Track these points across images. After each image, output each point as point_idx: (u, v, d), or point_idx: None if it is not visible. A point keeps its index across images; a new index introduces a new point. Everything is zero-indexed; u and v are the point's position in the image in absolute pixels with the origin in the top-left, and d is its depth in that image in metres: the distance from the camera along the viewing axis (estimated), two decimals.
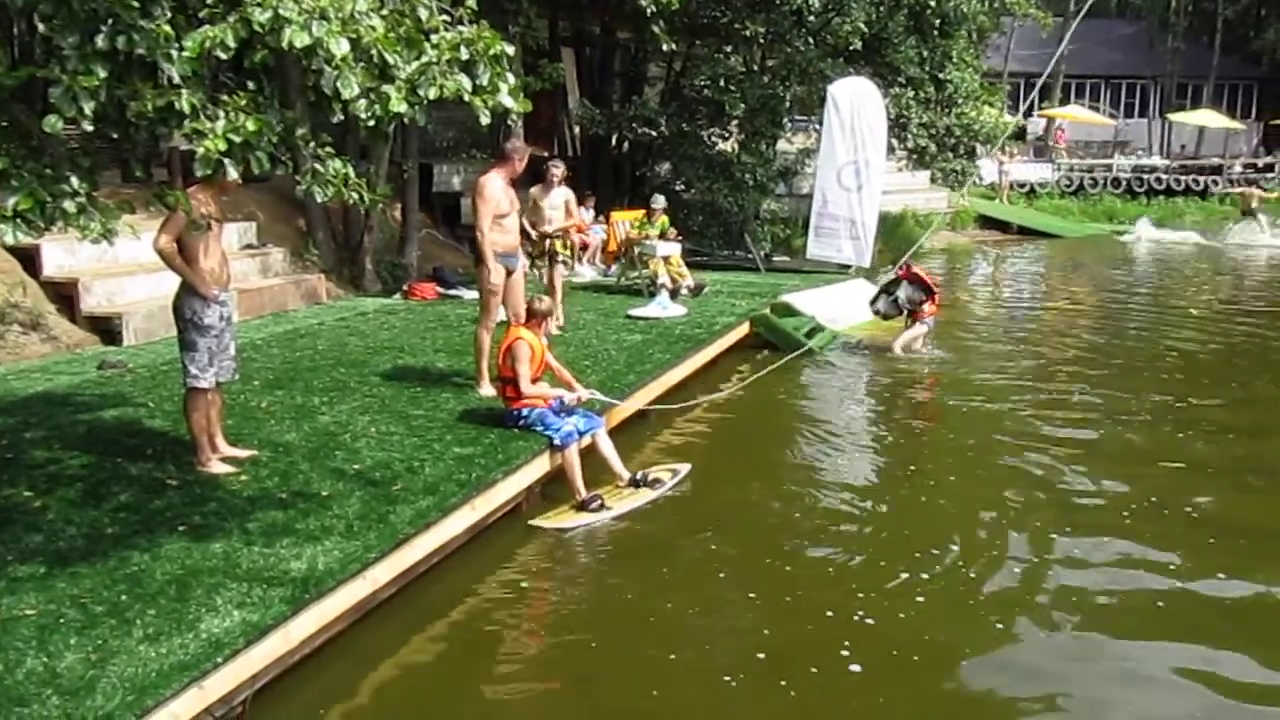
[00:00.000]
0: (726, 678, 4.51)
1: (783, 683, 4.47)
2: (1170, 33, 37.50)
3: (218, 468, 5.65)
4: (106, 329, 9.03)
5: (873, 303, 11.18)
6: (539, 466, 6.38)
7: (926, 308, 10.73)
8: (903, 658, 4.71)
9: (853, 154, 13.95)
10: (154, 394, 7.17)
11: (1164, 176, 31.55)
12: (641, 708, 4.37)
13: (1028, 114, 32.64)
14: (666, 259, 11.83)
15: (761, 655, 4.71)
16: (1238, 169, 33.05)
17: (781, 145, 17.02)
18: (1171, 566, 5.68)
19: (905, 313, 10.81)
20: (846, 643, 4.77)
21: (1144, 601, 5.31)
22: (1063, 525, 6.22)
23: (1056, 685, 4.51)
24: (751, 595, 5.30)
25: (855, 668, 4.59)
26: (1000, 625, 5.04)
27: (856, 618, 5.02)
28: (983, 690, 4.54)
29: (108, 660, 3.77)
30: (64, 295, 9.10)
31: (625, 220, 13.46)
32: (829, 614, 5.08)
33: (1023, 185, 29.59)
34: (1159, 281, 18.46)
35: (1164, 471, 7.26)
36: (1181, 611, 5.24)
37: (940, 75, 17.67)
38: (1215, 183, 31.84)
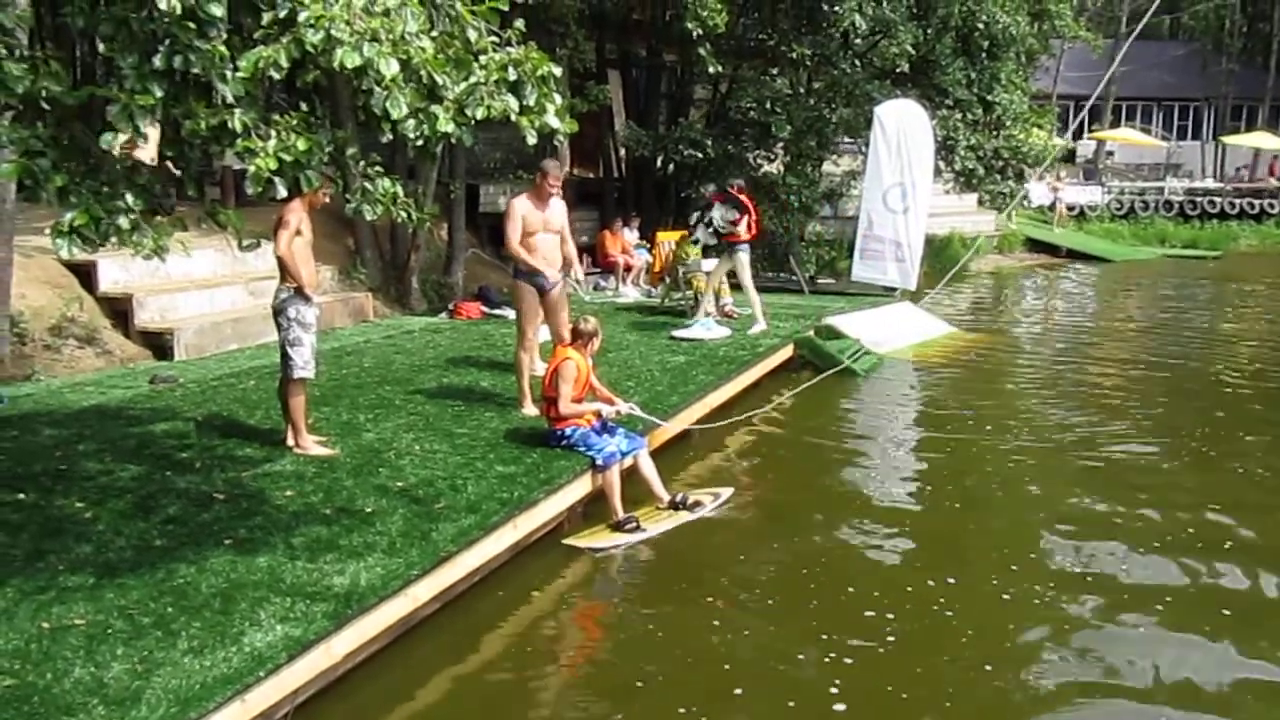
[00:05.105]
0: (694, 709, 4.40)
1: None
2: (1224, 54, 36.94)
3: (315, 449, 6.29)
4: (159, 344, 9.20)
5: (693, 239, 11.33)
6: (581, 486, 6.37)
7: (741, 230, 10.52)
8: (894, 695, 4.58)
9: (899, 176, 13.88)
10: (203, 409, 7.27)
11: (1218, 200, 30.96)
12: None
13: (1077, 136, 32.30)
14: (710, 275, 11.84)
15: (739, 691, 4.59)
16: None
17: (827, 167, 16.98)
18: (1163, 604, 5.46)
19: (719, 238, 10.70)
20: (837, 681, 4.65)
21: (1127, 647, 5.05)
22: (1077, 563, 6.03)
23: None
24: (757, 627, 5.22)
25: (840, 706, 4.47)
26: (990, 668, 4.84)
27: (830, 658, 4.87)
28: None
29: (153, 671, 3.81)
30: (119, 310, 9.30)
31: (670, 241, 13.48)
32: (817, 643, 4.97)
33: (1072, 208, 29.22)
34: None
35: (1201, 515, 6.85)
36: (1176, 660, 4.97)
37: (988, 97, 17.53)
38: (1272, 206, 31.11)
